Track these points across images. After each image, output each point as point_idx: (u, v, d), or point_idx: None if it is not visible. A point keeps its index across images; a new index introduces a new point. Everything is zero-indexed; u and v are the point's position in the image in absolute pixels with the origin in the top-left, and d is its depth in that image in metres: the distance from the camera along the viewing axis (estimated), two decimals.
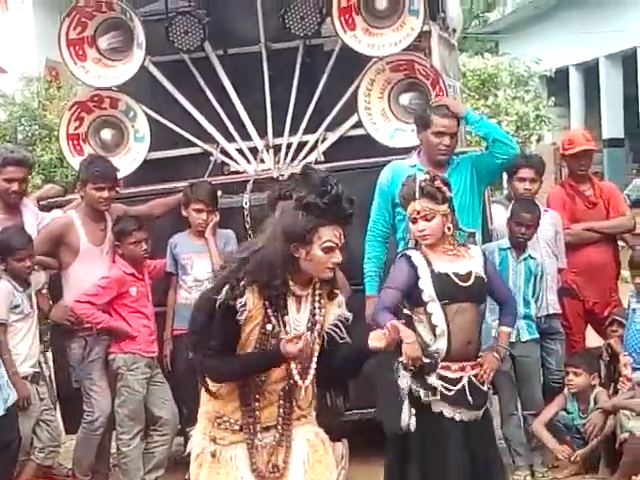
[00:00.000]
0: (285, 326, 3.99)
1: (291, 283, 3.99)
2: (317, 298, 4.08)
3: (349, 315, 4.14)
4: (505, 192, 7.44)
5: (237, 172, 6.89)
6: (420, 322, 4.99)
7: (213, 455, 4.08)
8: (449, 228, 5.04)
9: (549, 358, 6.67)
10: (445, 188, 5.05)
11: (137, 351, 6.18)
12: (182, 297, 6.34)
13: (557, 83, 23.13)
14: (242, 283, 3.92)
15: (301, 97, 6.82)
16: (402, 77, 6.67)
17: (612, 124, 22.56)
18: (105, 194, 6.15)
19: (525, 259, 6.42)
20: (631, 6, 20.44)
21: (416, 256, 5.04)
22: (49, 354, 6.68)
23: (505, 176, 8.03)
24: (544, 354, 6.62)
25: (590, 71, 23.73)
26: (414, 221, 5.04)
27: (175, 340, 6.36)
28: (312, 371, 4.04)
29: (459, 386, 4.98)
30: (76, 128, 6.84)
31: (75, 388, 6.26)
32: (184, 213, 6.37)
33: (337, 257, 3.95)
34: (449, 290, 4.98)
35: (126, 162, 6.73)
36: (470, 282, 5.00)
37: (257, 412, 4.03)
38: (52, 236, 6.27)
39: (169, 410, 6.21)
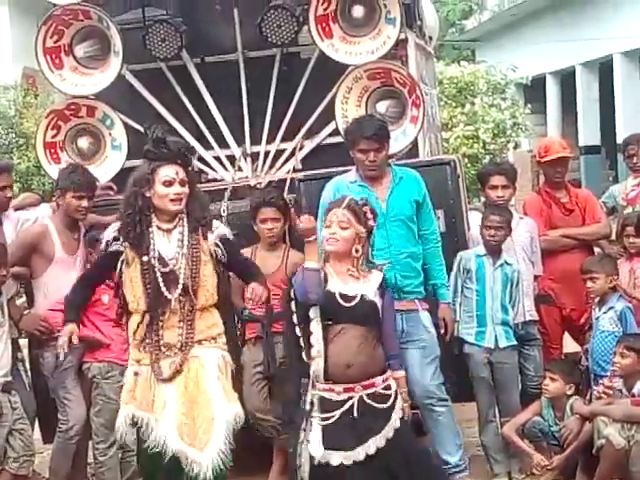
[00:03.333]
0: (158, 256, 5.13)
1: (155, 220, 5.15)
2: (184, 230, 5.17)
3: (225, 232, 5.32)
4: (482, 199, 7.43)
5: (215, 180, 6.87)
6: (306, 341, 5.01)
7: (136, 374, 5.18)
8: (357, 250, 5.06)
9: (527, 364, 6.69)
10: (371, 216, 5.11)
11: (112, 359, 6.14)
12: None
13: (534, 91, 23.24)
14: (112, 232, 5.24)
15: (278, 105, 6.81)
16: (379, 85, 6.65)
17: (589, 131, 22.69)
18: (85, 203, 6.15)
19: (501, 265, 6.43)
20: (608, 14, 20.58)
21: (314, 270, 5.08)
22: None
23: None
24: (522, 360, 6.64)
25: (567, 79, 23.86)
26: (328, 225, 5.08)
27: None
28: (198, 293, 5.15)
29: (346, 406, 4.93)
30: (53, 136, 6.80)
31: (51, 397, 6.22)
32: None
33: (176, 189, 5.10)
34: (332, 309, 4.97)
35: (103, 170, 6.69)
36: (353, 303, 4.98)
37: (160, 332, 5.14)
38: (27, 244, 6.24)
39: None
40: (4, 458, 5.94)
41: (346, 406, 4.94)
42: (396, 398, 5.06)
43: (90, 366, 6.17)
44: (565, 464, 6.24)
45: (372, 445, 4.94)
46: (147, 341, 5.19)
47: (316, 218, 6.12)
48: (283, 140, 6.84)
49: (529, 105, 19.51)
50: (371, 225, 5.14)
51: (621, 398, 6.12)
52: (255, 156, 6.86)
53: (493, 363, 6.39)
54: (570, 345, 7.33)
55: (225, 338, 5.35)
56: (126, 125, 6.78)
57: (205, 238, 5.24)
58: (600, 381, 6.36)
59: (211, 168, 6.88)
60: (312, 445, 4.91)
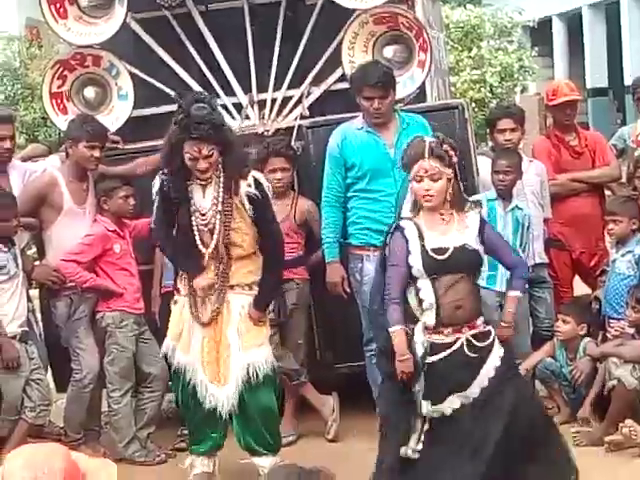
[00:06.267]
0: (196, 208, 5.37)
1: (192, 175, 5.35)
2: (218, 187, 5.35)
3: (257, 192, 5.39)
4: (490, 144, 7.41)
5: None
6: (409, 293, 4.99)
7: (175, 302, 5.56)
8: (450, 194, 5.00)
9: (538, 306, 6.72)
10: (452, 152, 5.01)
11: (125, 308, 6.19)
12: None
13: (540, 33, 23.02)
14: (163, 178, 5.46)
15: (285, 51, 6.77)
16: (386, 30, 6.60)
17: (596, 74, 22.56)
18: (97, 153, 6.15)
19: (512, 209, 6.44)
20: None
21: (409, 229, 5.00)
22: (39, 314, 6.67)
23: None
24: (533, 303, 6.68)
25: (573, 20, 23.67)
26: (419, 180, 4.97)
27: (164, 297, 6.36)
28: (231, 245, 5.35)
29: (455, 347, 4.94)
30: (59, 87, 6.76)
31: (64, 347, 6.26)
32: None
33: (200, 165, 5.27)
34: (432, 265, 4.94)
35: (110, 120, 6.66)
36: (446, 256, 4.94)
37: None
38: (36, 194, 6.25)
39: (159, 366, 6.21)
40: (21, 408, 5.98)
41: (455, 346, 4.95)
42: (494, 340, 5.07)
43: (103, 315, 6.21)
44: (575, 406, 6.29)
45: (485, 379, 4.96)
46: (184, 276, 5.48)
47: (323, 165, 6.15)
48: (290, 87, 6.80)
49: (536, 48, 19.41)
50: (455, 161, 5.05)
51: (633, 340, 6.16)
52: (262, 103, 6.81)
53: (503, 306, 6.40)
54: (579, 289, 7.35)
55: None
56: (132, 74, 6.75)
57: (236, 194, 5.37)
58: (612, 323, 6.39)
59: None
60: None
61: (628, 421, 5.84)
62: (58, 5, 6.65)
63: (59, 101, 6.78)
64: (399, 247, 4.99)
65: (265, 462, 5.48)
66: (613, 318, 6.43)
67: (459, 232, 5.02)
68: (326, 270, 6.17)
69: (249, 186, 5.42)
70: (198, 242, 5.38)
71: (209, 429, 5.55)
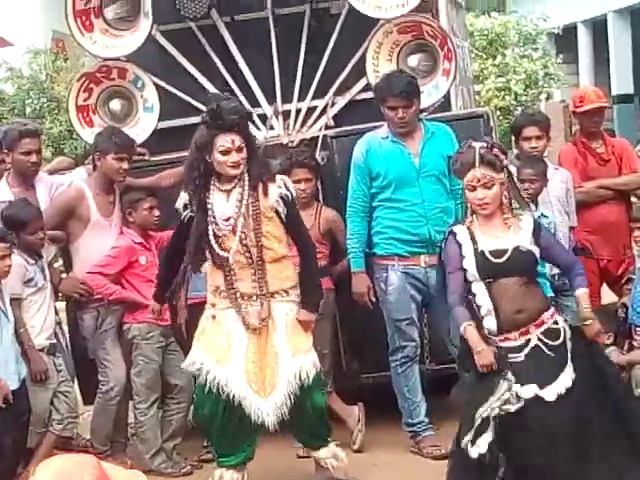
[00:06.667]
0: (214, 215, 5.39)
1: (215, 182, 5.42)
2: (242, 190, 5.38)
3: (288, 193, 5.42)
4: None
5: None
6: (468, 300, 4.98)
7: (213, 317, 5.47)
8: (505, 197, 4.98)
9: (564, 315, 6.67)
10: (503, 156, 4.99)
11: (151, 320, 6.17)
12: None
13: (565, 40, 22.91)
14: (182, 201, 5.52)
15: (309, 62, 6.80)
16: (410, 39, 6.61)
17: (621, 80, 22.42)
18: (125, 165, 6.19)
19: (538, 217, 6.40)
20: None
21: (461, 234, 4.99)
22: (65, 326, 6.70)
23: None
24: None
25: (598, 27, 23.54)
26: (472, 189, 4.94)
27: (190, 309, 6.36)
28: (263, 248, 5.38)
29: (527, 350, 4.90)
30: (85, 99, 6.80)
31: (91, 359, 6.29)
32: None
33: (233, 157, 5.32)
34: (487, 268, 4.93)
35: (136, 132, 6.69)
36: (504, 258, 4.92)
37: (234, 283, 5.39)
38: (63, 208, 6.28)
39: (185, 378, 6.21)
40: (49, 420, 6.00)
41: (527, 349, 4.91)
42: (566, 334, 5.02)
43: (130, 327, 6.23)
44: None
45: (568, 376, 4.88)
46: (222, 289, 5.44)
47: (348, 175, 6.15)
48: (314, 97, 6.82)
49: (561, 55, 19.36)
50: (506, 164, 5.03)
51: None
52: (287, 114, 6.83)
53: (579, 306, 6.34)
54: (607, 297, 7.31)
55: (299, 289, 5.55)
56: (157, 86, 6.79)
57: (266, 195, 5.39)
58: (639, 331, 6.34)
59: None
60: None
61: None
62: (84, 18, 6.70)
63: (85, 114, 6.81)
64: (453, 252, 4.99)
65: (324, 453, 5.63)
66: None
67: (514, 234, 5.01)
68: (351, 280, 6.17)
69: (279, 187, 5.45)
70: (216, 248, 5.39)
71: (242, 442, 5.53)
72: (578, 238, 6.89)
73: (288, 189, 5.47)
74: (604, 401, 4.91)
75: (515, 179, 5.12)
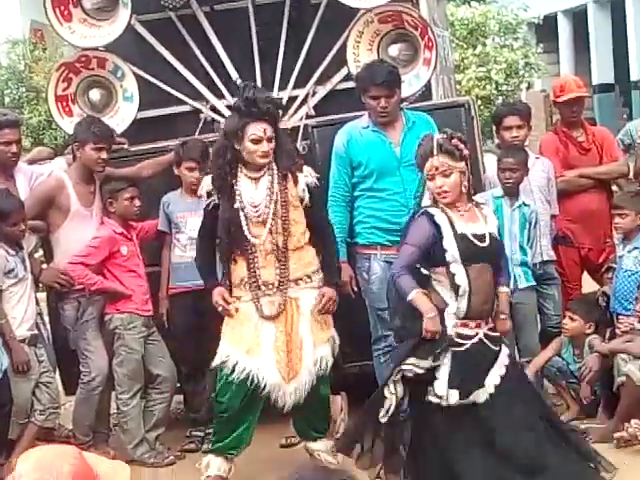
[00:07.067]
0: (241, 204, 5.41)
1: (243, 169, 5.44)
2: (272, 179, 5.43)
3: (314, 180, 5.54)
4: (497, 141, 7.42)
5: None
6: (439, 282, 5.08)
7: (237, 310, 5.46)
8: (465, 186, 5.09)
9: (546, 303, 6.72)
10: (462, 146, 5.10)
11: (133, 310, 6.20)
12: (176, 255, 6.34)
13: (545, 30, 23.00)
14: (206, 187, 5.55)
15: (289, 52, 6.79)
16: (391, 28, 6.61)
17: (602, 70, 22.54)
18: (104, 155, 6.18)
19: (519, 206, 6.45)
20: None
21: (438, 215, 5.08)
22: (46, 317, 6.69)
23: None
24: (541, 300, 6.69)
25: (579, 17, 23.66)
26: (431, 178, 5.07)
27: (171, 298, 6.40)
28: (289, 236, 5.43)
29: (475, 340, 5.08)
30: (64, 89, 6.76)
31: (72, 350, 6.28)
32: (176, 172, 6.38)
33: (264, 146, 5.34)
34: (470, 251, 5.04)
35: (115, 122, 6.67)
36: (486, 243, 5.07)
37: (257, 271, 5.40)
38: (43, 197, 6.26)
39: (167, 368, 6.25)
40: (31, 411, 6.00)
41: (475, 339, 5.10)
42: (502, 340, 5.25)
43: (112, 317, 6.23)
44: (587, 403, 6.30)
45: (497, 376, 5.11)
46: (246, 280, 5.45)
47: (329, 164, 6.16)
48: (295, 87, 6.81)
49: (541, 44, 19.43)
50: (466, 154, 5.16)
51: None
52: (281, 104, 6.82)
53: (512, 304, 6.38)
54: (588, 286, 7.35)
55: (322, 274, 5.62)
56: (137, 76, 6.76)
57: (295, 183, 5.50)
58: (621, 320, 6.39)
59: (224, 117, 6.85)
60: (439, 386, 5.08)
61: (634, 421, 5.85)
62: (62, 8, 6.65)
63: (64, 104, 6.78)
64: (423, 230, 5.09)
65: (318, 445, 5.70)
66: (621, 314, 6.43)
67: (484, 222, 5.12)
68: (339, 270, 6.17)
69: (306, 177, 5.54)
70: (247, 234, 5.42)
71: (243, 428, 5.57)
72: (559, 227, 6.92)
73: (313, 177, 5.57)
74: (516, 402, 5.18)
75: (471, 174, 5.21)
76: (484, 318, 5.13)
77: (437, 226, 5.05)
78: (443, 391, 5.04)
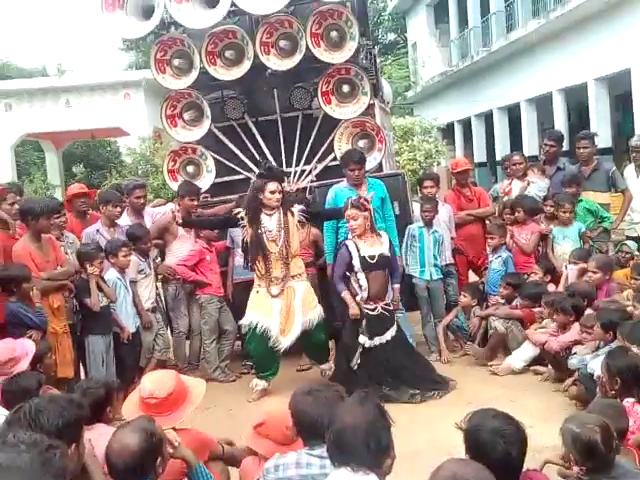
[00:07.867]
0: (262, 229, 5.32)
1: (264, 209, 5.36)
2: (280, 215, 5.35)
3: (302, 207, 5.47)
4: (420, 195, 7.42)
5: None
6: (355, 281, 5.12)
7: (257, 292, 5.40)
8: (367, 225, 5.14)
9: (448, 288, 6.69)
10: (365, 203, 5.16)
11: (212, 293, 6.17)
12: (237, 260, 6.27)
13: (448, 131, 23.09)
14: (239, 210, 5.47)
15: (301, 144, 6.77)
16: (359, 131, 6.62)
17: (479, 153, 22.60)
18: (195, 203, 6.16)
19: (433, 232, 6.44)
20: (508, 73, 19.33)
21: (350, 245, 5.14)
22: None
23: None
24: (445, 286, 6.65)
25: (466, 124, 23.71)
26: (349, 220, 5.13)
27: (234, 286, 6.35)
28: (289, 248, 5.30)
29: (376, 312, 5.12)
30: (172, 166, 6.78)
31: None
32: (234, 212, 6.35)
33: (277, 196, 5.32)
34: (366, 264, 5.07)
35: (202, 184, 6.69)
36: (375, 260, 5.09)
37: (270, 267, 5.34)
38: (161, 227, 6.27)
39: (231, 325, 6.20)
40: (152, 350, 5.97)
41: (375, 312, 5.14)
42: (394, 310, 5.26)
43: (200, 296, 6.19)
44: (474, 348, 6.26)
45: (389, 333, 5.17)
46: (264, 274, 5.38)
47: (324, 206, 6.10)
48: (305, 164, 6.78)
49: (445, 140, 19.37)
50: (368, 208, 5.18)
51: (502, 306, 6.15)
52: (289, 174, 6.83)
53: (429, 288, 6.41)
54: (472, 278, 7.33)
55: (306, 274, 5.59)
56: (214, 158, 6.76)
57: (293, 216, 5.44)
58: (491, 297, 6.39)
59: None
60: (362, 337, 5.14)
61: (494, 362, 5.81)
62: (171, 119, 6.69)
63: (172, 174, 6.79)
64: (344, 255, 5.15)
65: (325, 366, 5.69)
66: (491, 294, 6.42)
67: (379, 246, 5.11)
68: (326, 268, 6.16)
69: (298, 211, 5.51)
70: (266, 248, 5.37)
71: (272, 363, 5.54)
72: (455, 243, 6.90)
73: (301, 212, 5.54)
74: (400, 346, 5.22)
75: (372, 219, 5.27)
76: (379, 299, 5.13)
77: (350, 252, 5.10)
78: (363, 338, 5.11)
